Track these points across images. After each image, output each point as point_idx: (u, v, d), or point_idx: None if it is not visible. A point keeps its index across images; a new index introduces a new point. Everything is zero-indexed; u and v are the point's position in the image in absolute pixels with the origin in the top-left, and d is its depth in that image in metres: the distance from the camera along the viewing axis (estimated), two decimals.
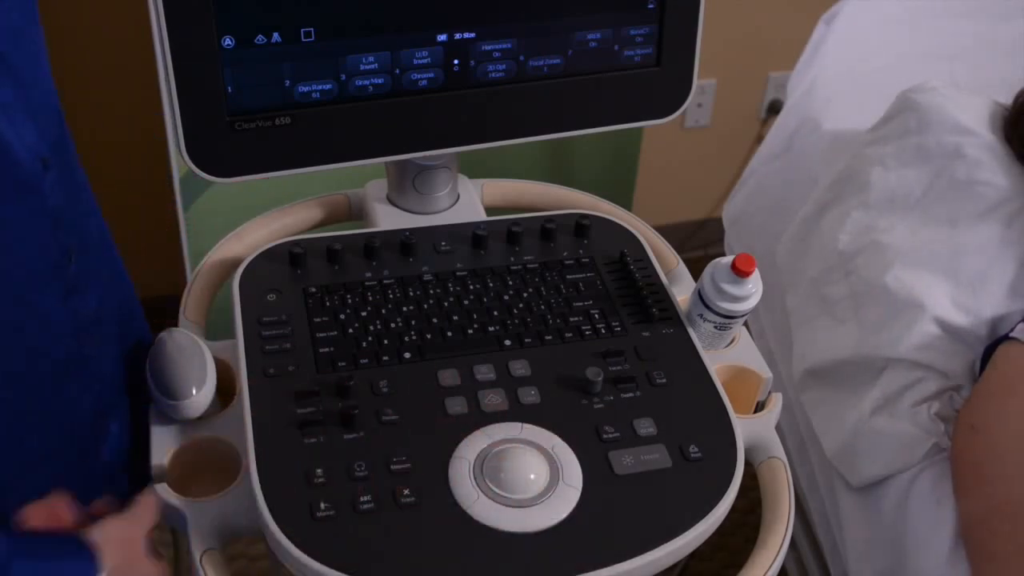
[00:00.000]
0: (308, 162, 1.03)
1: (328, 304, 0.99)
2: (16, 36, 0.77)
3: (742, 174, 1.76)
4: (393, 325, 0.98)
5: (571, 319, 1.01)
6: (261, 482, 0.84)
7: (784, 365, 1.46)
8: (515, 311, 1.01)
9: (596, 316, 1.01)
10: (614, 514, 0.85)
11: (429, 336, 0.98)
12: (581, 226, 1.10)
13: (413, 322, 0.99)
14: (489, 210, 1.19)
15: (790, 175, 1.64)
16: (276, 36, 0.96)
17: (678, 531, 0.84)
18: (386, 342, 0.97)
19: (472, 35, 1.02)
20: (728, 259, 0.99)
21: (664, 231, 1.22)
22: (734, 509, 0.89)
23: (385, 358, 0.95)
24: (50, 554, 0.75)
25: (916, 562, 1.13)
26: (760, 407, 1.02)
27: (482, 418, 0.91)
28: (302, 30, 0.96)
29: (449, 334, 0.98)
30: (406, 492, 0.84)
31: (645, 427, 0.91)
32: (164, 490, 0.87)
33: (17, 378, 0.81)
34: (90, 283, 0.87)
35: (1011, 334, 1.15)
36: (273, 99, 0.99)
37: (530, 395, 0.93)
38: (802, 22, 1.91)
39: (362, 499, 0.83)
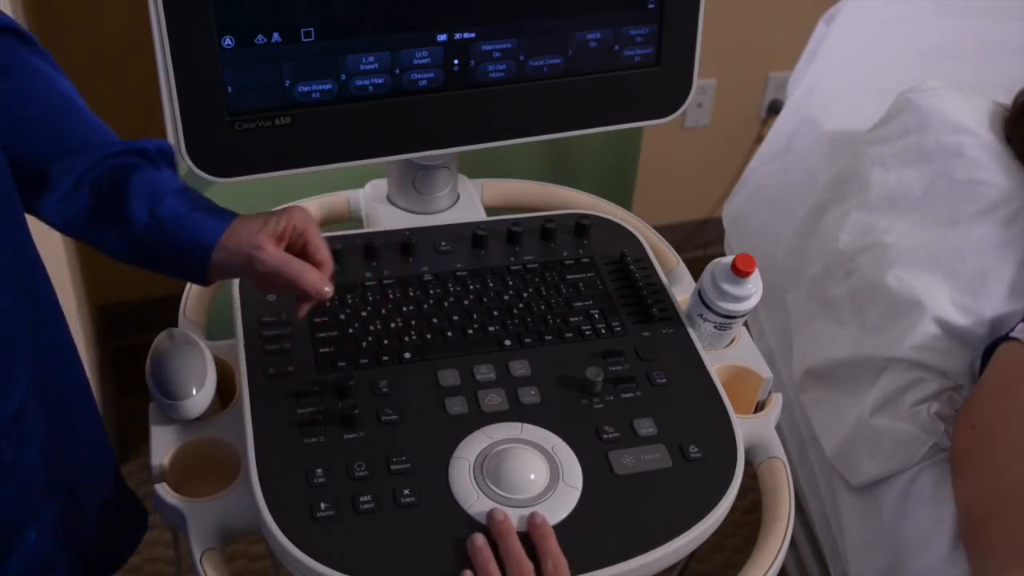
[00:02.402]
0: (308, 162, 1.03)
1: (328, 304, 0.99)
2: None
3: (742, 174, 1.76)
4: (393, 325, 0.98)
5: (571, 319, 1.01)
6: (261, 482, 0.84)
7: (784, 365, 1.46)
8: (515, 311, 1.01)
9: (596, 316, 1.01)
10: (614, 514, 0.85)
11: (429, 336, 0.98)
12: (581, 226, 1.10)
13: (413, 322, 0.99)
14: (489, 210, 1.19)
15: (790, 175, 1.64)
16: (276, 36, 0.96)
17: (678, 531, 0.84)
18: (386, 342, 0.97)
19: (472, 35, 1.02)
20: (728, 259, 0.99)
21: (664, 231, 1.22)
22: (734, 509, 0.89)
23: (385, 358, 0.95)
24: (201, 205, 0.86)
25: (916, 562, 1.12)
26: (760, 407, 1.02)
27: (482, 418, 0.91)
28: (302, 30, 0.96)
29: (449, 334, 0.98)
30: (406, 492, 0.84)
31: (645, 427, 0.91)
32: (164, 490, 0.87)
33: None
34: (12, 386, 0.76)
35: (1011, 334, 1.15)
36: (273, 99, 0.99)
37: (530, 395, 0.93)
38: (802, 22, 1.91)
39: (362, 499, 0.83)
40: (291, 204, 0.94)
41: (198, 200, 0.87)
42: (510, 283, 1.04)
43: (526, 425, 0.90)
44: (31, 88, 0.83)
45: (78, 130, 0.85)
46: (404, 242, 1.06)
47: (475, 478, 0.86)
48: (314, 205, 1.18)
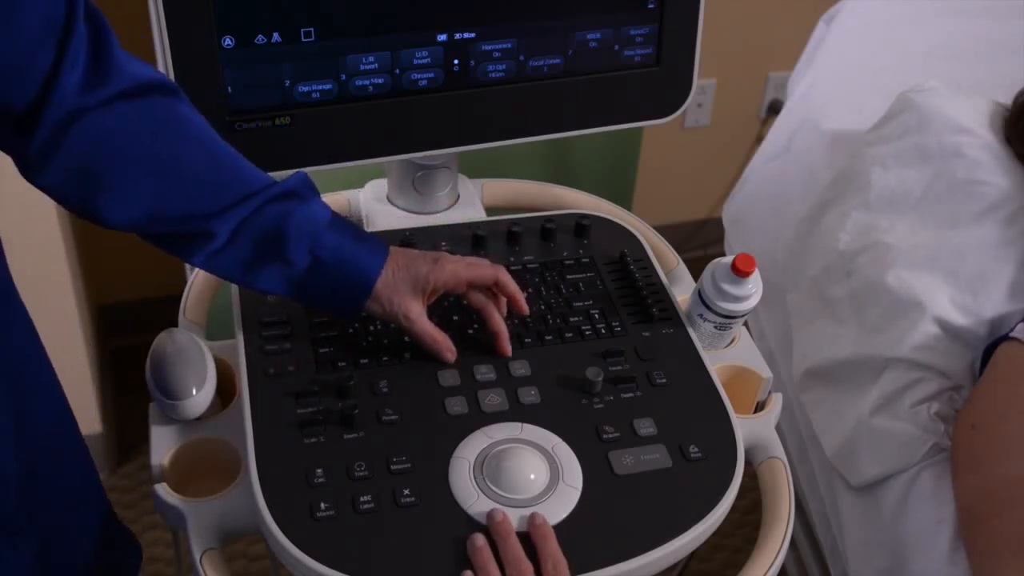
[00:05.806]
0: (308, 162, 1.03)
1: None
2: None
3: (742, 174, 1.76)
4: (393, 325, 0.98)
5: (571, 319, 1.01)
6: (261, 482, 0.84)
7: (784, 365, 1.46)
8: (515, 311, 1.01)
9: (596, 316, 1.01)
10: (614, 514, 0.85)
11: None
12: (581, 226, 1.10)
13: None
14: (489, 210, 1.19)
15: (790, 175, 1.64)
16: (276, 36, 0.96)
17: (678, 531, 0.84)
18: (386, 342, 0.97)
19: (472, 35, 1.02)
20: (728, 259, 0.99)
21: (664, 231, 1.22)
22: (734, 509, 0.89)
23: (385, 358, 0.95)
24: (355, 236, 0.90)
25: (916, 562, 1.13)
26: (760, 407, 1.02)
27: (482, 418, 0.91)
28: (302, 30, 0.96)
29: (449, 334, 0.98)
30: (406, 492, 0.84)
31: (645, 427, 0.91)
32: (164, 490, 0.87)
33: None
34: None
35: (1011, 334, 1.15)
36: (273, 99, 0.99)
37: (530, 395, 0.93)
38: (802, 22, 1.91)
39: (362, 499, 0.83)
40: (442, 256, 0.94)
41: (351, 231, 0.90)
42: None
43: (526, 425, 0.90)
44: (184, 144, 0.83)
45: (232, 180, 0.85)
46: (404, 242, 1.06)
47: (475, 478, 0.86)
48: None
